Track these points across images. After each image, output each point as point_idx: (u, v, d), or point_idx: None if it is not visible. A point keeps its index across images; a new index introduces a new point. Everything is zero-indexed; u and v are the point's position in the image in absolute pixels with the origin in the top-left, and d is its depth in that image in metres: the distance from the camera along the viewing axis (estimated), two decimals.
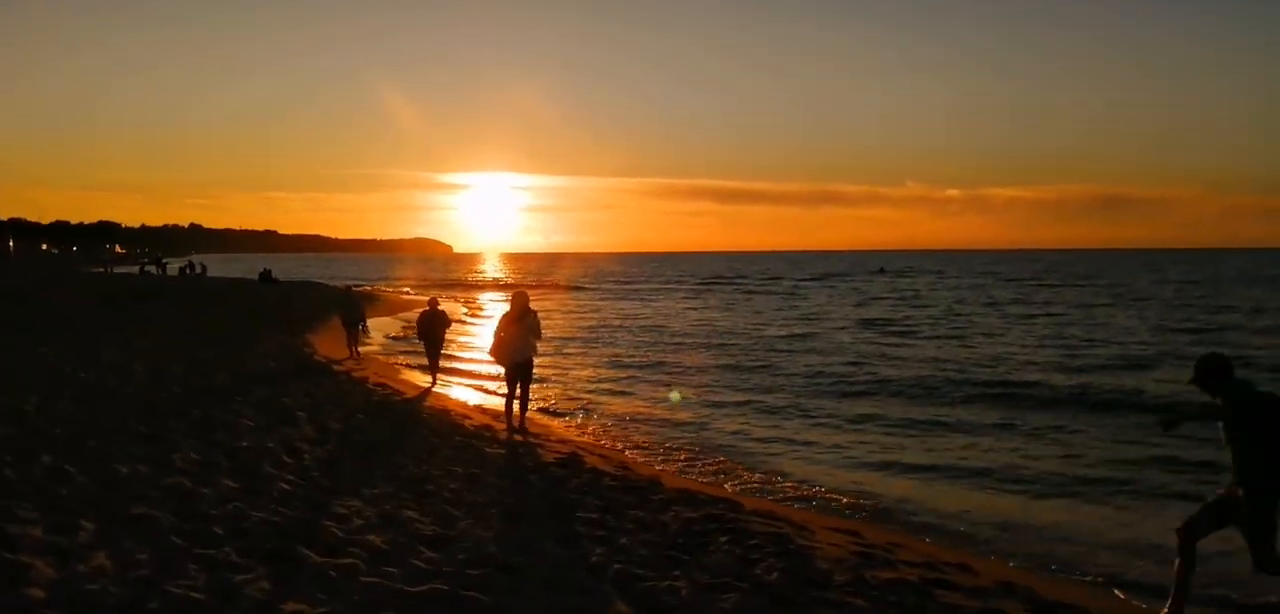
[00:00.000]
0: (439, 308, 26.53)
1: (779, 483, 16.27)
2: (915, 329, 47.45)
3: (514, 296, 18.90)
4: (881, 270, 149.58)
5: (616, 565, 9.20)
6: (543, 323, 18.92)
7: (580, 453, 16.62)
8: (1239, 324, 48.55)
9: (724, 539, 10.86)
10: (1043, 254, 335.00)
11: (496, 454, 15.57)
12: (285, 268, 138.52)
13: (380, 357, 33.60)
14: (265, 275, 79.85)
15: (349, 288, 40.26)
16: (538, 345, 18.56)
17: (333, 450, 14.41)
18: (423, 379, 26.46)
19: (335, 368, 26.46)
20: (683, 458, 18.09)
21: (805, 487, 15.96)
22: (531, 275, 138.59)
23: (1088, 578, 11.39)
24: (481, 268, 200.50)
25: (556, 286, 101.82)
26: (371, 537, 9.52)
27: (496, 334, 18.56)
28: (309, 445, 14.55)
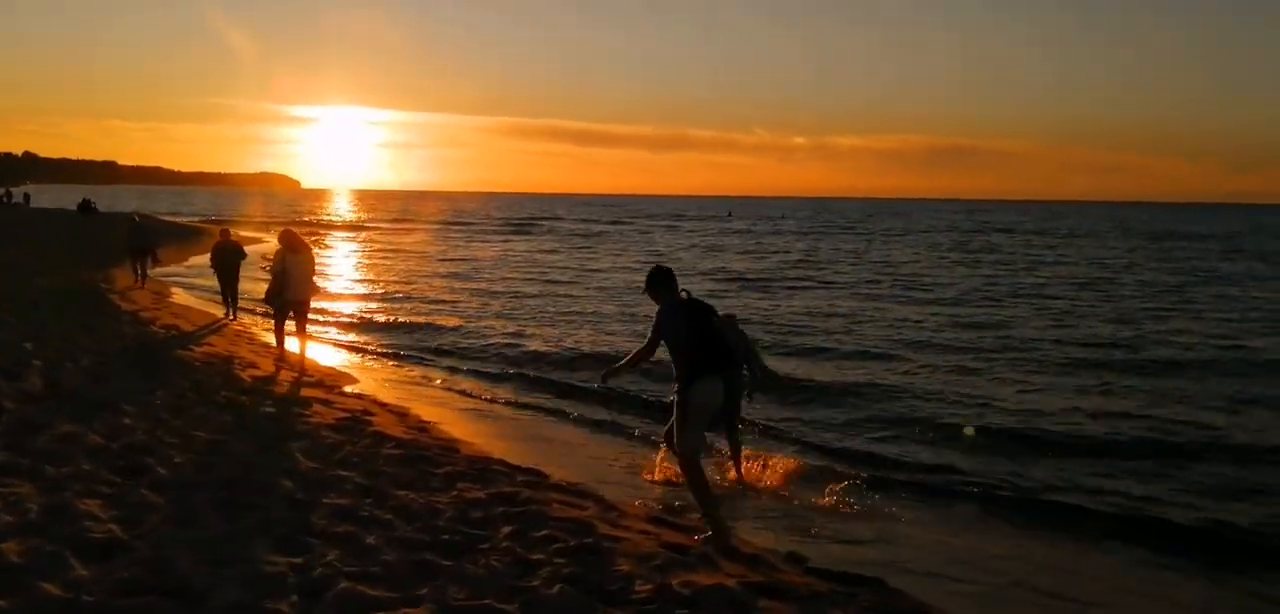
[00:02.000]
0: (231, 239, 26.23)
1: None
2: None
3: (284, 234, 18.88)
4: (728, 214, 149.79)
5: (344, 581, 6.99)
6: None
7: (370, 411, 14.47)
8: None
9: (507, 530, 8.75)
10: (890, 202, 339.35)
11: (264, 412, 13.25)
12: (124, 201, 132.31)
13: (179, 292, 31.27)
14: (85, 205, 75.09)
15: (134, 215, 38.75)
16: (315, 283, 18.62)
17: (44, 400, 12.10)
18: (215, 310, 26.25)
19: (117, 301, 24.96)
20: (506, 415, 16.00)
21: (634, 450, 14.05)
22: (388, 214, 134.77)
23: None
24: (331, 205, 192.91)
25: (414, 224, 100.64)
26: (7, 544, 7.15)
27: (273, 272, 18.27)
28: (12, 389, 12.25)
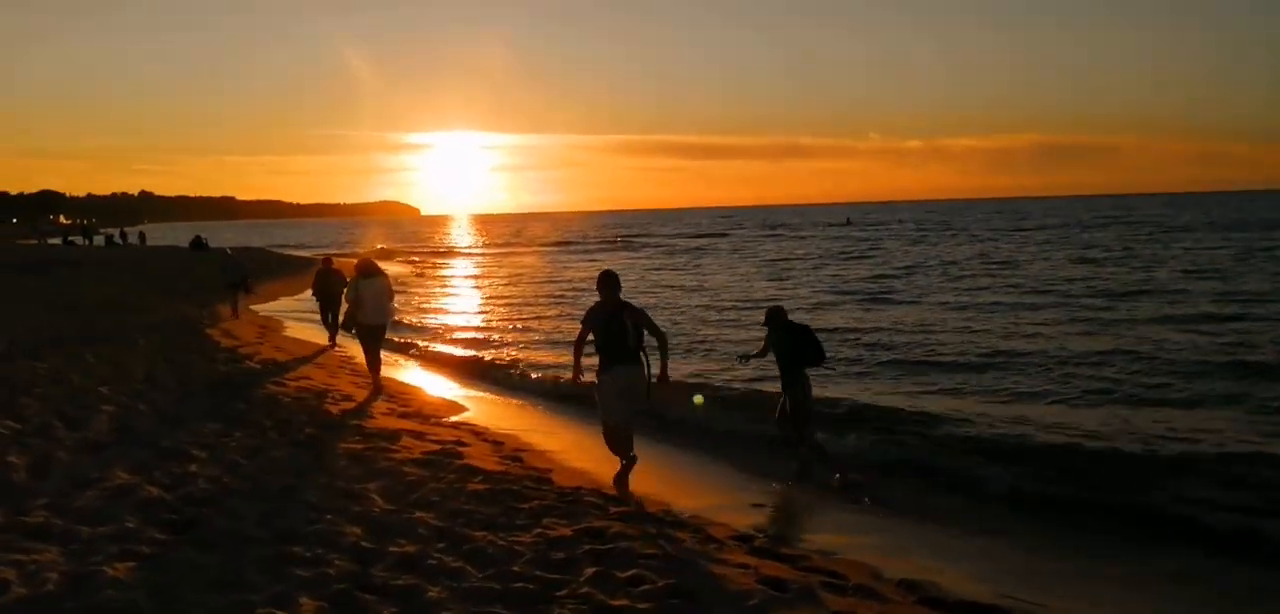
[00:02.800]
0: (333, 266, 26.24)
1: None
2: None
3: (360, 260, 18.99)
4: (847, 222, 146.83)
5: None
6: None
7: (464, 441, 13.59)
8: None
9: (590, 572, 7.82)
10: (1006, 201, 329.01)
11: (348, 449, 12.39)
12: (242, 236, 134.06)
13: (291, 324, 30.96)
14: (197, 242, 76.41)
15: (226, 249, 38.73)
16: (392, 307, 18.86)
17: (108, 446, 11.56)
18: (320, 338, 25.98)
19: (215, 336, 24.67)
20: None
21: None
22: (500, 237, 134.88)
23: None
24: (449, 231, 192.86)
25: (528, 246, 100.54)
26: None
27: (348, 298, 18.47)
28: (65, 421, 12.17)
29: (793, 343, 12.77)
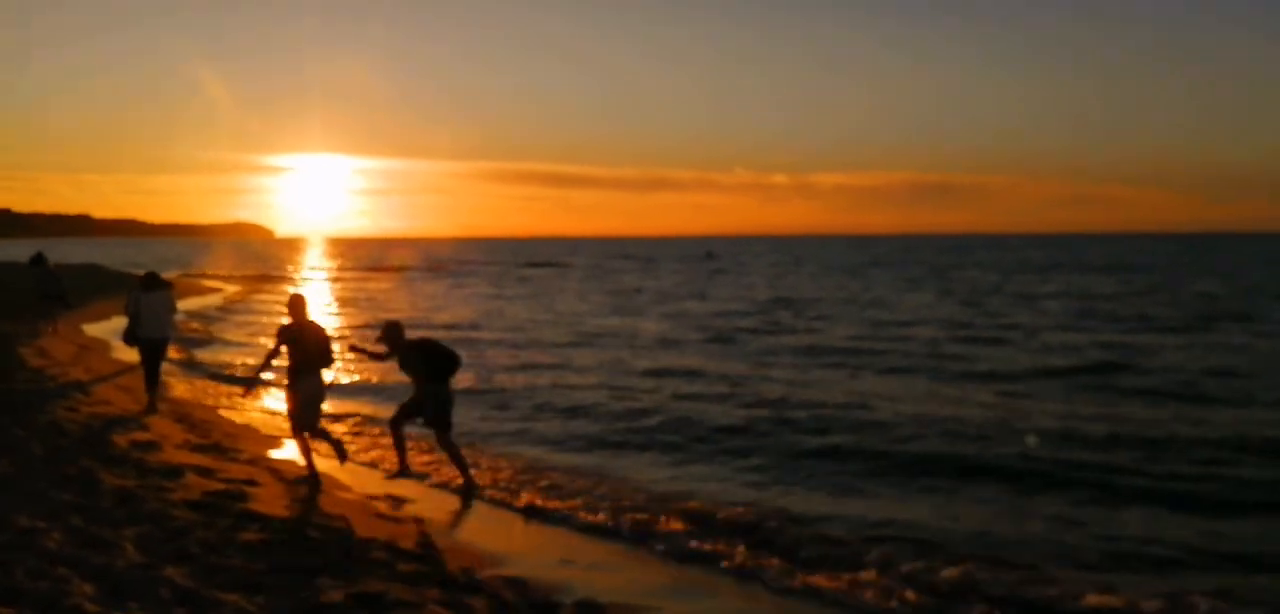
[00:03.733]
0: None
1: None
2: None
3: (145, 275, 18.41)
4: (709, 255, 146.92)
5: None
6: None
7: (255, 482, 12.33)
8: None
9: None
10: (872, 240, 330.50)
11: (115, 485, 11.00)
12: (94, 253, 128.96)
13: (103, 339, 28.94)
14: (36, 259, 72.49)
15: (40, 256, 35.99)
16: (173, 320, 18.09)
17: None
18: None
19: (22, 347, 23.92)
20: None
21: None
22: (362, 262, 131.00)
23: None
24: (302, 256, 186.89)
25: (390, 271, 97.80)
26: None
27: (128, 312, 18.03)
28: None
29: (427, 361, 12.65)
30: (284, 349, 12.60)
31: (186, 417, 17.32)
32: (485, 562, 9.90)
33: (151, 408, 17.25)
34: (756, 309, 46.94)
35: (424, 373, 12.57)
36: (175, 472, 12.15)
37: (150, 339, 17.61)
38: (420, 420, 12.74)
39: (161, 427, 15.71)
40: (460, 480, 12.94)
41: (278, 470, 13.47)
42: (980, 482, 13.98)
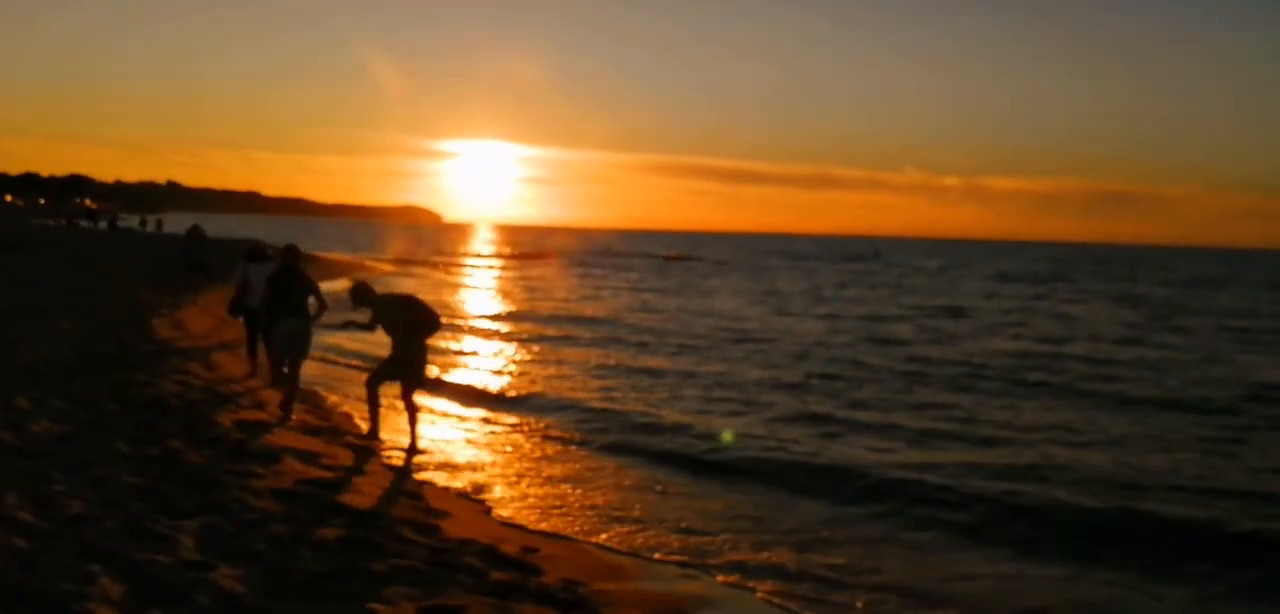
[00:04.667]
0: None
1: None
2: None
3: (250, 245, 18.37)
4: (875, 253, 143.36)
5: None
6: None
7: (358, 471, 11.42)
8: None
9: None
10: (1045, 247, 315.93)
11: (200, 464, 10.20)
12: (259, 230, 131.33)
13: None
14: (191, 230, 74.61)
15: (196, 227, 35.84)
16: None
17: None
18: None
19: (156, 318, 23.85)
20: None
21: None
22: (528, 246, 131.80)
23: None
24: (471, 238, 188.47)
25: (554, 258, 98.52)
26: None
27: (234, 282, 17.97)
28: None
29: (407, 312, 13.06)
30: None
31: (310, 397, 16.67)
32: (603, 573, 8.80)
33: (252, 373, 17.50)
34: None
35: (403, 326, 12.92)
36: (273, 456, 11.35)
37: (254, 308, 17.13)
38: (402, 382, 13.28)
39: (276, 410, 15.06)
40: (379, 436, 13.38)
41: (388, 460, 12.59)
42: None
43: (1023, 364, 25.00)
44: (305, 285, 14.80)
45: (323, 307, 15.04)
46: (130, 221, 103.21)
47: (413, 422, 13.41)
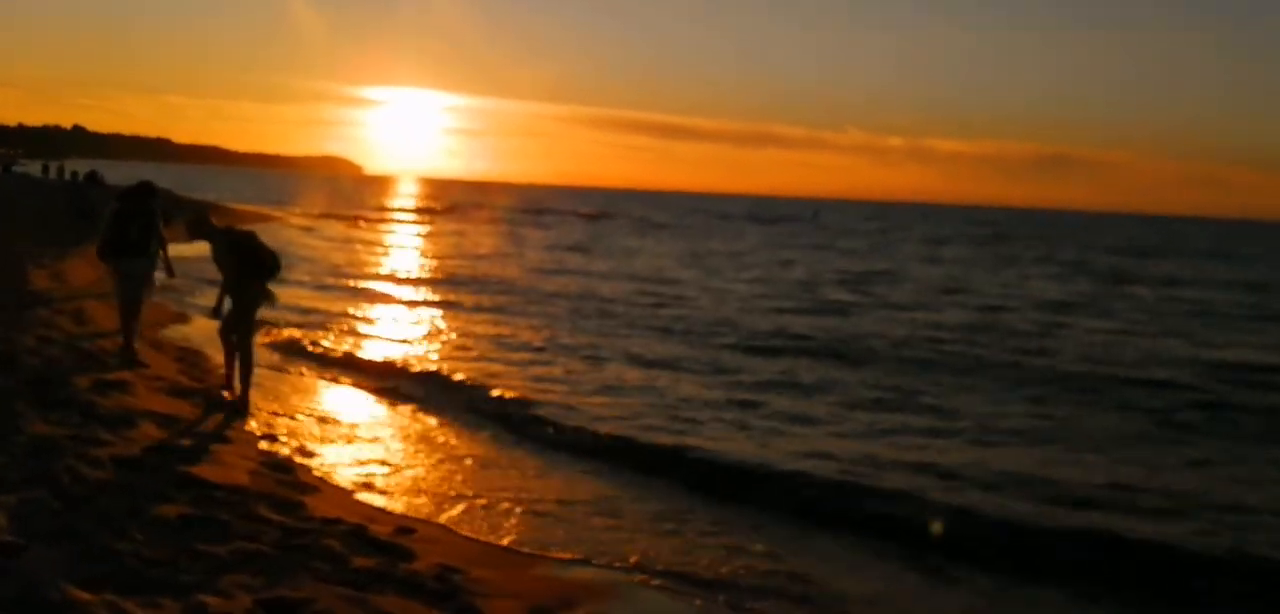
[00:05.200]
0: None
1: None
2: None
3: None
4: (815, 215, 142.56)
5: None
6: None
7: (228, 439, 10.54)
8: None
9: None
10: (988, 211, 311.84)
11: (40, 429, 9.28)
12: (169, 180, 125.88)
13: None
14: (91, 177, 72.28)
15: (93, 174, 33.86)
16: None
17: None
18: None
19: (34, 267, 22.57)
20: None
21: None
22: (453, 201, 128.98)
23: None
24: (390, 193, 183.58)
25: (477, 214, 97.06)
26: None
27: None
28: None
29: (239, 252, 12.32)
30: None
31: (190, 356, 15.74)
32: (485, 560, 8.04)
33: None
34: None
35: (236, 267, 12.23)
36: (127, 420, 10.45)
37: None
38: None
39: (158, 365, 14.13)
40: (237, 392, 12.60)
41: (270, 431, 11.72)
42: None
43: (958, 337, 24.33)
44: (150, 225, 14.56)
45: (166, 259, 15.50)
46: (31, 167, 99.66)
47: (244, 373, 12.56)
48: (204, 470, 9.02)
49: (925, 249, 69.61)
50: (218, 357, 14.78)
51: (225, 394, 12.75)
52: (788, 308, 29.22)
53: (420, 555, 7.74)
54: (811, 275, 41.87)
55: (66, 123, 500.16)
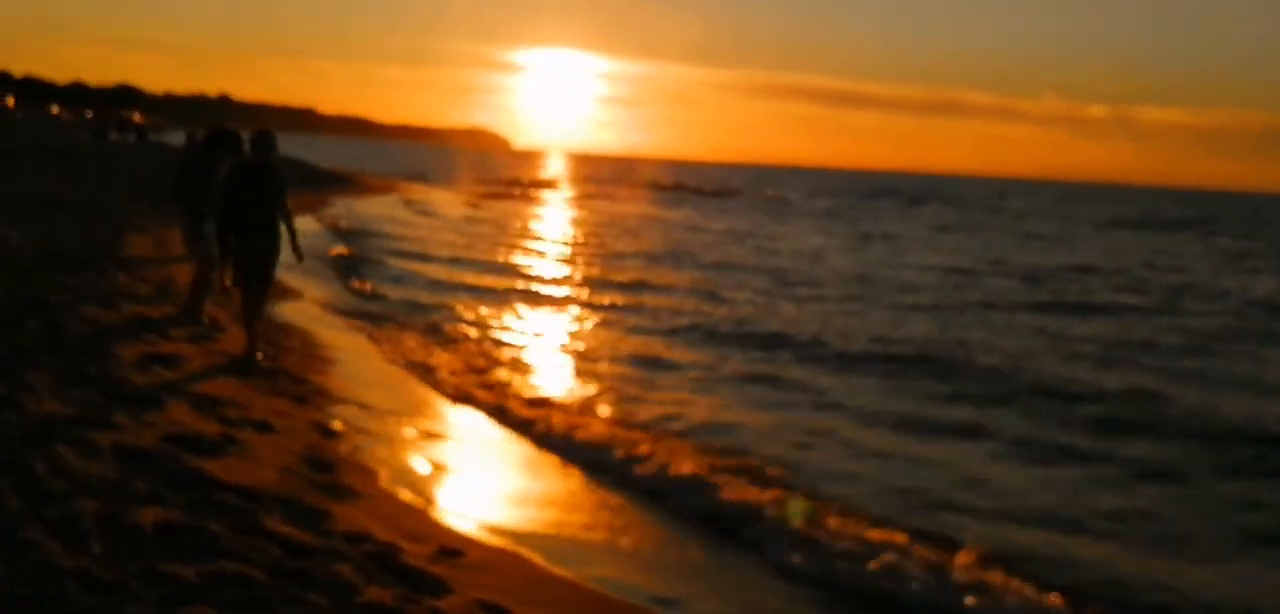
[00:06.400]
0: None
1: None
2: None
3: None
4: (1000, 197, 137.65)
5: None
6: None
7: (241, 441, 9.41)
8: None
9: None
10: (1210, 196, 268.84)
11: (51, 408, 8.26)
12: (311, 153, 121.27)
13: None
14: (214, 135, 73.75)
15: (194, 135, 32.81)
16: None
17: None
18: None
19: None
20: None
21: None
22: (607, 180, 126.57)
23: None
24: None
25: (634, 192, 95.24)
26: None
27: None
28: None
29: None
30: None
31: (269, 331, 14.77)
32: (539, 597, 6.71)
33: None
34: None
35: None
36: (157, 401, 9.41)
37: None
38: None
39: (230, 340, 13.22)
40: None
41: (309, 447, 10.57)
42: None
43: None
44: (276, 194, 12.15)
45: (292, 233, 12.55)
46: (175, 136, 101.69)
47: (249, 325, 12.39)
48: (221, 466, 7.89)
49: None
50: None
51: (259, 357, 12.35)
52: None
53: (457, 589, 6.45)
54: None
55: (212, 91, 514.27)
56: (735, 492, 9.45)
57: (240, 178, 11.98)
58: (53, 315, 12.14)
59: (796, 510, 9.06)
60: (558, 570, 7.41)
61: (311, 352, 14.23)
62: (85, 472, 7.15)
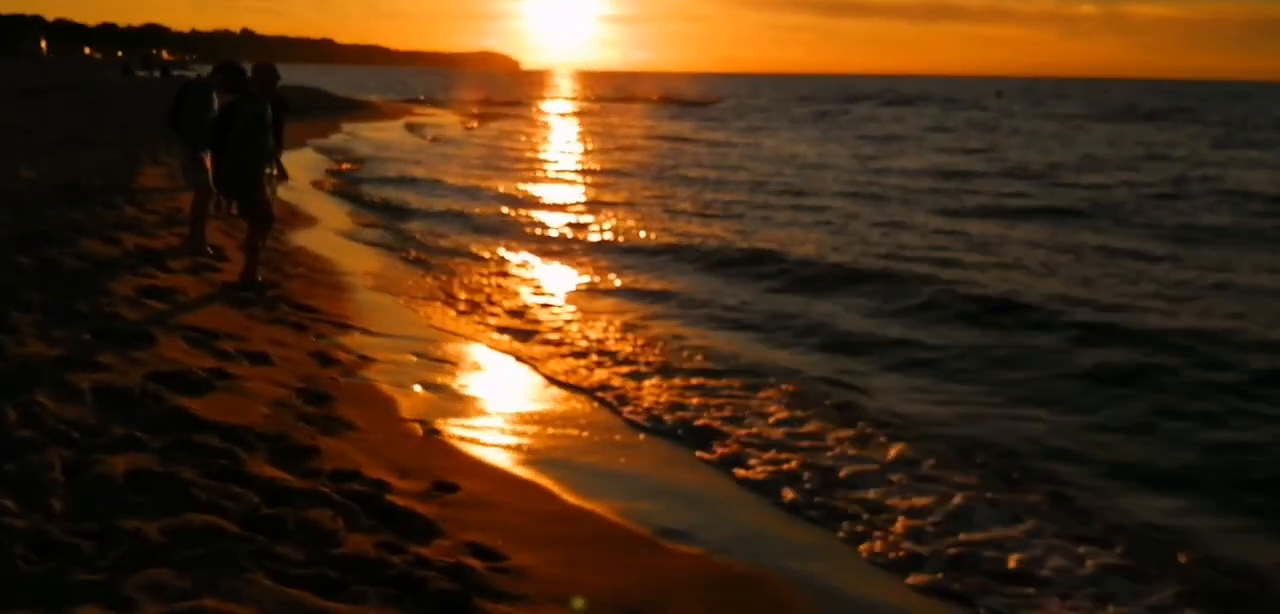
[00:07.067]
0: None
1: None
2: None
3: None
4: (997, 94, 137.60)
5: None
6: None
7: (266, 360, 8.78)
8: None
9: None
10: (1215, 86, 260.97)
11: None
12: (327, 82, 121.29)
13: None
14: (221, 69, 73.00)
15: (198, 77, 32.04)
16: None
17: None
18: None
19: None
20: None
21: None
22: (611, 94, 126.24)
23: None
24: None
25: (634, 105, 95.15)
26: None
27: None
28: None
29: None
30: None
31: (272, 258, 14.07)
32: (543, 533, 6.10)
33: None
34: None
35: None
36: (148, 337, 8.75)
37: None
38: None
39: (233, 268, 12.57)
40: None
41: (344, 361, 9.91)
42: None
43: None
44: (266, 126, 11.82)
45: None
46: (194, 73, 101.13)
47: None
48: (206, 404, 7.23)
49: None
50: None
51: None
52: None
53: (447, 531, 5.79)
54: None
55: (236, 27, 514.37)
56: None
57: (236, 110, 11.73)
58: (50, 252, 11.51)
59: None
60: (558, 503, 6.78)
61: (316, 277, 13.61)
62: (60, 417, 6.52)
